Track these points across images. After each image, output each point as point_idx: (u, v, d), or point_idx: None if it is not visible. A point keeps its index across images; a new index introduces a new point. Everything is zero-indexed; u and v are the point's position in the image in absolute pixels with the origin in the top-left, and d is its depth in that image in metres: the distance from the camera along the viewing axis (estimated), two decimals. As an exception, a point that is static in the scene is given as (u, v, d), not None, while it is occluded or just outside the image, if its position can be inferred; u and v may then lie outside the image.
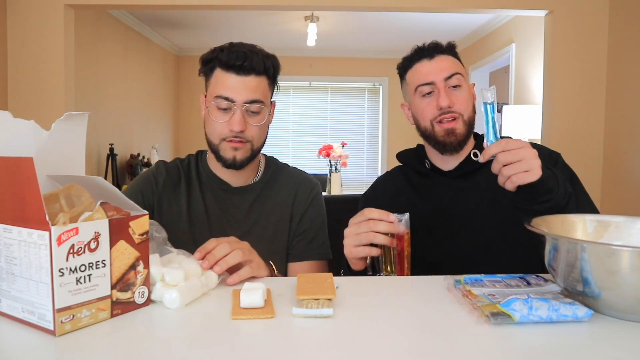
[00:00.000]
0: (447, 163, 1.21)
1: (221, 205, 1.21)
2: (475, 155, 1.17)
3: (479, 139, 1.23)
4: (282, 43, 5.62)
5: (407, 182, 1.25)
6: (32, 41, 2.96)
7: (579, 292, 0.72)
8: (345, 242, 0.99)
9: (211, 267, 0.85)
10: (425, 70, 1.15)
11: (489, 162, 1.14)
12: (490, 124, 0.95)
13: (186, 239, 1.16)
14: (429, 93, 1.14)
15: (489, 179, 1.15)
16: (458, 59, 1.19)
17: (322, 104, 6.48)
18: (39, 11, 2.95)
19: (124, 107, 4.54)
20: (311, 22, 4.64)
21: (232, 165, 1.15)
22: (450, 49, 1.18)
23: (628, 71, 2.76)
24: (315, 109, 6.45)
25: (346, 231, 0.99)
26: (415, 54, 1.18)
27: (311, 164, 5.77)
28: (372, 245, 0.97)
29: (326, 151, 4.06)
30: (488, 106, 0.95)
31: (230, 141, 1.13)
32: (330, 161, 4.10)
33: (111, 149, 4.07)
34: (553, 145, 2.99)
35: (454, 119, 1.13)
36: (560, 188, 0.95)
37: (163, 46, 5.63)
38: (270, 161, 1.31)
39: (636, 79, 2.68)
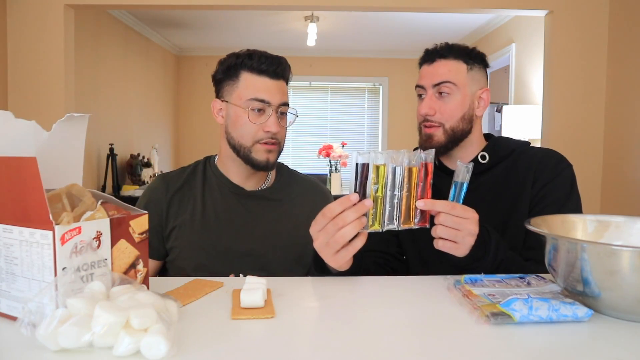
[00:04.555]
0: (453, 163, 1.20)
1: (234, 208, 1.22)
2: (483, 157, 1.16)
3: (490, 140, 1.22)
4: (282, 43, 5.62)
5: None
6: (32, 41, 2.97)
7: (579, 292, 0.72)
8: (323, 254, 0.87)
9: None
10: (422, 73, 1.17)
11: (495, 166, 1.14)
12: (454, 197, 0.95)
13: (198, 241, 1.18)
14: (421, 96, 1.17)
15: (491, 183, 1.15)
16: (468, 62, 1.15)
17: (322, 104, 6.48)
18: (38, 11, 2.95)
19: (124, 107, 4.54)
20: (311, 22, 4.64)
21: (265, 167, 1.18)
22: (455, 53, 1.15)
23: (628, 71, 2.77)
24: (315, 109, 6.45)
25: (316, 244, 0.87)
26: (422, 56, 1.19)
27: (311, 164, 5.77)
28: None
29: (326, 151, 4.07)
30: (457, 184, 0.94)
31: (265, 143, 1.16)
32: (330, 161, 4.11)
33: (111, 149, 4.07)
34: (553, 145, 3.00)
35: (434, 127, 1.13)
36: (488, 261, 0.94)
37: (163, 46, 5.63)
38: (281, 167, 1.32)
39: (636, 79, 2.68)
